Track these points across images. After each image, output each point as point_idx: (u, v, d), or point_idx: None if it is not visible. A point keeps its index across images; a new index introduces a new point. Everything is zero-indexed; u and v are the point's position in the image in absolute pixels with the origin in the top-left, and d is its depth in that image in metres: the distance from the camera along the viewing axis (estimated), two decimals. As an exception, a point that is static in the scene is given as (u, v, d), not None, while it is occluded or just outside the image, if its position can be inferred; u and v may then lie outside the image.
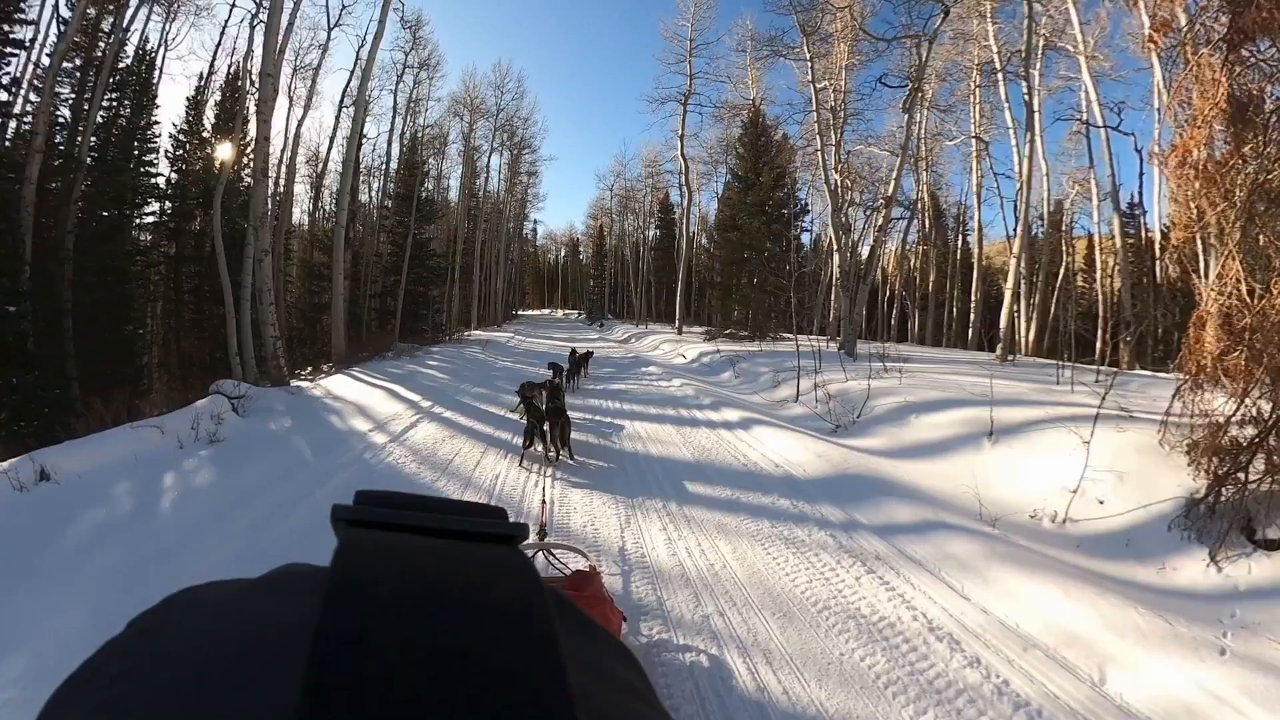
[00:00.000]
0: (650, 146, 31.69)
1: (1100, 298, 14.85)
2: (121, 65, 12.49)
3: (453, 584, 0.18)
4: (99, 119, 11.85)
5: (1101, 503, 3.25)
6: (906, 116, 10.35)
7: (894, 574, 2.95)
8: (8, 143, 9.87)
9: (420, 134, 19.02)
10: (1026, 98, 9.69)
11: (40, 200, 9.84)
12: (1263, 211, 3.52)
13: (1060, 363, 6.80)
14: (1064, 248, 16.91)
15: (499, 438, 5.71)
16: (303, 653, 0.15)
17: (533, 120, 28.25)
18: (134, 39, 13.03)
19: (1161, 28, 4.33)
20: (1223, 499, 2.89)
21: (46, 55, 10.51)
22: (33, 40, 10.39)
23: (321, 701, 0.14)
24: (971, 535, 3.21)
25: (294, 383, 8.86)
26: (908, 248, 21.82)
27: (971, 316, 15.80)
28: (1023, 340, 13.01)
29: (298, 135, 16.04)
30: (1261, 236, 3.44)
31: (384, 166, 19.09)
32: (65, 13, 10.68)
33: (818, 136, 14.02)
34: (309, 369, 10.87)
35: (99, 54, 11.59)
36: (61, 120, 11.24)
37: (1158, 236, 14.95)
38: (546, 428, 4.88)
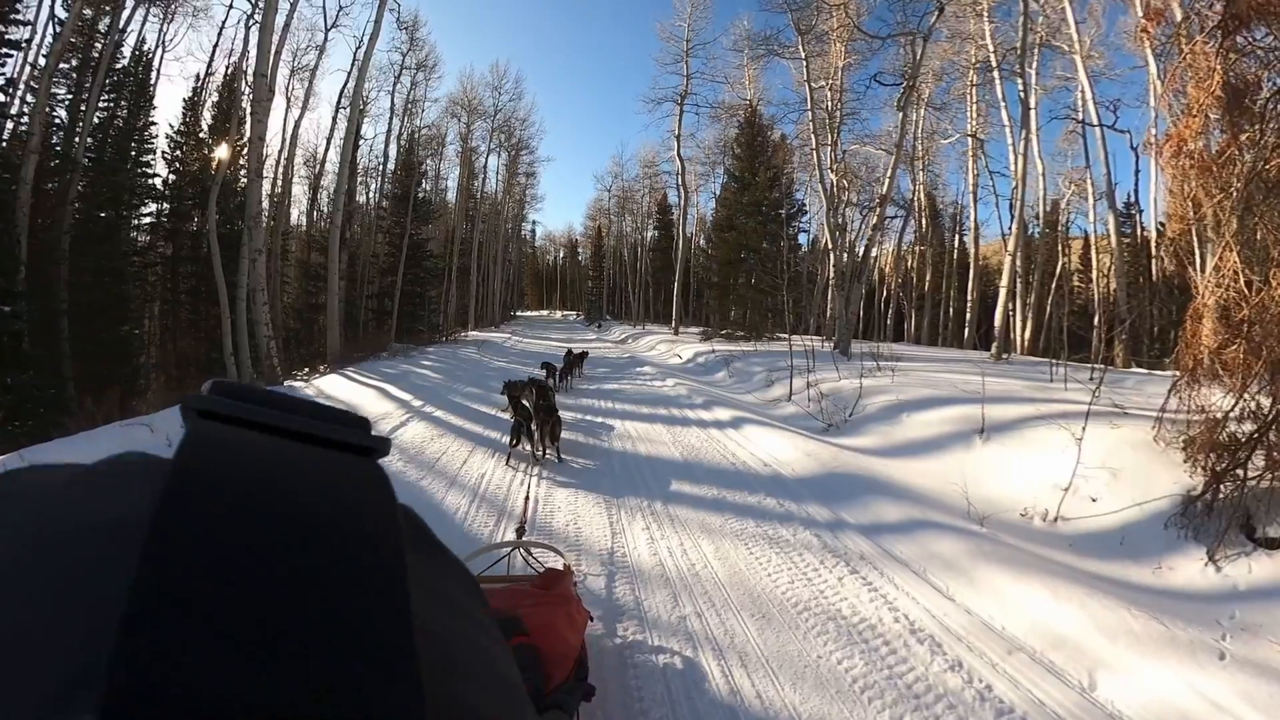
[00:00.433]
0: (648, 147, 31.65)
1: (1096, 297, 14.74)
2: (118, 66, 12.53)
3: (303, 490, 0.17)
4: (95, 120, 11.88)
5: (1094, 500, 3.16)
6: (901, 115, 10.27)
7: (878, 574, 2.86)
8: (4, 143, 9.89)
9: (417, 135, 19.07)
10: (1022, 95, 9.62)
11: (36, 201, 9.88)
12: (1260, 202, 3.43)
13: (1054, 361, 6.69)
14: (1060, 247, 16.81)
15: (488, 437, 5.66)
16: (135, 551, 0.14)
17: (530, 121, 28.23)
18: (131, 40, 13.09)
19: (1154, 17, 4.26)
20: (1221, 496, 2.80)
21: (43, 56, 10.54)
22: (28, 41, 10.44)
23: (152, 604, 0.13)
24: (959, 534, 3.12)
25: (288, 382, 8.84)
26: (904, 248, 21.77)
27: (967, 316, 15.70)
28: (1018, 339, 12.92)
29: (295, 136, 16.08)
30: (1260, 227, 3.35)
31: (381, 167, 19.14)
32: (61, 13, 10.73)
33: (813, 136, 13.96)
34: (305, 369, 10.85)
35: (95, 55, 11.63)
36: (58, 121, 11.28)
37: (1154, 236, 14.84)
38: (535, 426, 4.83)
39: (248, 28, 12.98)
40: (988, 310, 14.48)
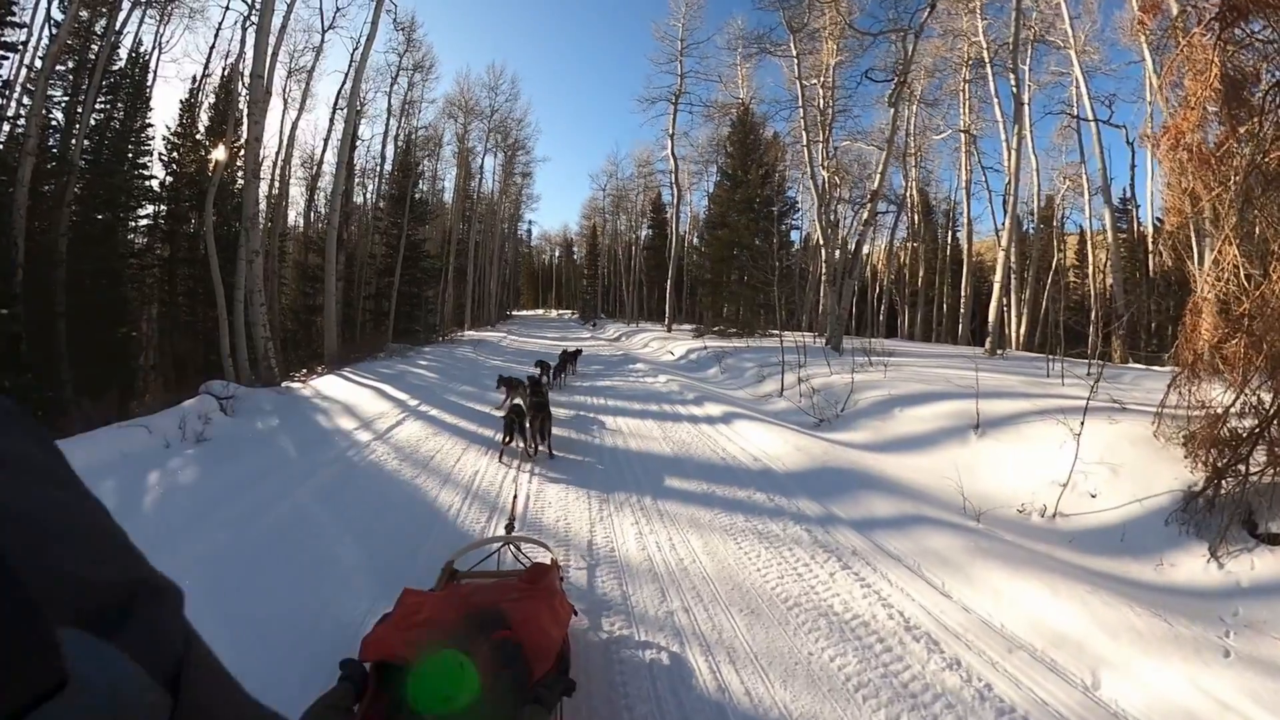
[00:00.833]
0: (642, 147, 31.53)
1: (1092, 293, 14.68)
2: (115, 68, 12.50)
3: None
4: (92, 121, 11.85)
5: (1094, 496, 3.11)
6: (893, 111, 10.24)
7: (870, 570, 2.81)
8: (0, 145, 9.86)
9: (414, 136, 19.05)
10: (1014, 90, 9.59)
11: (33, 203, 9.85)
12: (1260, 195, 3.39)
13: (1050, 356, 6.63)
14: (1055, 243, 16.74)
15: (482, 435, 5.64)
16: None
17: (526, 122, 28.19)
18: (127, 41, 13.04)
19: (1150, 9, 4.22)
20: (1222, 492, 2.76)
21: (39, 58, 10.52)
22: (24, 42, 10.42)
23: None
24: (955, 530, 3.07)
25: (285, 384, 8.79)
26: (897, 244, 21.69)
27: (961, 312, 15.63)
28: (1013, 335, 12.87)
29: (292, 138, 16.05)
30: (1259, 220, 3.31)
31: (378, 168, 19.10)
32: (57, 15, 10.72)
33: (805, 133, 13.94)
34: (303, 370, 10.80)
35: (91, 56, 11.61)
36: (54, 123, 11.25)
37: (1150, 231, 14.79)
38: (527, 423, 4.79)
39: (244, 29, 13.00)
40: (982, 306, 14.44)
